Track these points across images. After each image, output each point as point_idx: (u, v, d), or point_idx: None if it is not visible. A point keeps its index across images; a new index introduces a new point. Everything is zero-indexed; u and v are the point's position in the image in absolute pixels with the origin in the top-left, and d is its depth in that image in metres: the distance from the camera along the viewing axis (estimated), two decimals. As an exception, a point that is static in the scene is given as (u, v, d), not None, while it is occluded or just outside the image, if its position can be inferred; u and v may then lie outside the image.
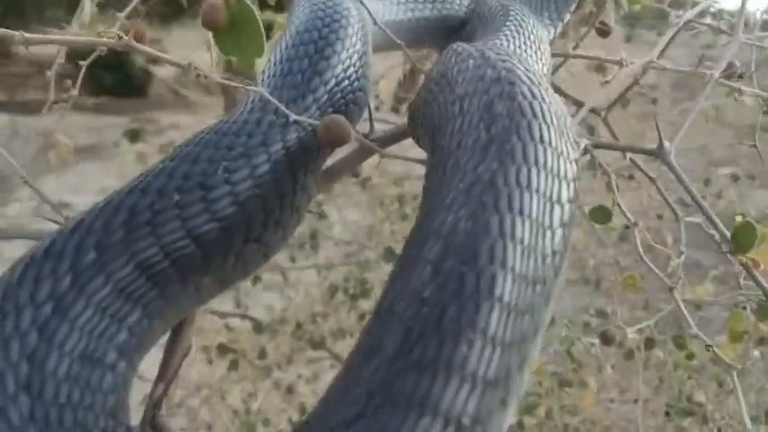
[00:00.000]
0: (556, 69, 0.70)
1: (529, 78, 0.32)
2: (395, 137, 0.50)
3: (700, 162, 4.02)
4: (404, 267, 0.26)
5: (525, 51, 0.47)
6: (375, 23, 0.48)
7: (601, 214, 0.64)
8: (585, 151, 0.54)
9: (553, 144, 0.29)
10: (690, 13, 0.69)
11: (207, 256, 0.35)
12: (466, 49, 0.38)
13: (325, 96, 0.41)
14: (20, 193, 4.82)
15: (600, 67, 0.83)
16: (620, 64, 0.63)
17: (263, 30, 0.41)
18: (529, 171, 0.27)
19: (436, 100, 0.36)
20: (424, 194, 0.31)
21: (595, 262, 2.16)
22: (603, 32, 0.73)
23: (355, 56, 0.44)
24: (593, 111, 0.62)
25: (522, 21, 0.51)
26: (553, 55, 0.64)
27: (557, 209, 0.28)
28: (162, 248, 0.34)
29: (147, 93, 11.05)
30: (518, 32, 0.49)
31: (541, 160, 0.28)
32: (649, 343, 0.76)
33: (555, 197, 0.28)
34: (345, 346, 1.69)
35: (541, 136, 0.29)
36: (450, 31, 0.61)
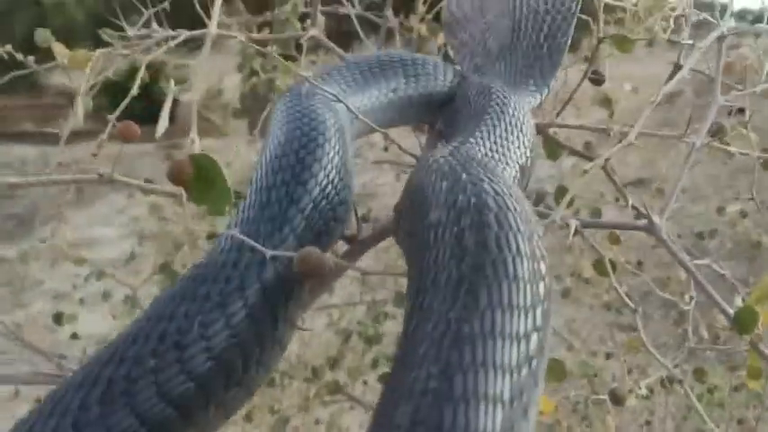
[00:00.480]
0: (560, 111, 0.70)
1: (497, 204, 0.33)
2: (381, 235, 0.51)
3: (723, 170, 3.92)
4: (382, 415, 0.28)
5: (503, 145, 0.48)
6: (357, 117, 0.50)
7: (600, 268, 0.64)
8: (576, 231, 0.54)
9: (520, 276, 0.30)
10: (707, 41, 0.68)
11: (186, 415, 0.36)
12: (441, 165, 0.39)
13: (303, 223, 0.41)
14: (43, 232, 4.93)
15: (606, 100, 0.83)
16: (607, 133, 0.63)
17: (227, 183, 0.43)
18: (493, 314, 0.29)
19: (414, 219, 0.38)
20: (405, 325, 0.32)
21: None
22: (597, 81, 0.73)
23: (333, 172, 0.44)
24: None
25: (504, 106, 0.51)
26: (541, 126, 0.66)
27: (526, 343, 0.29)
28: (138, 417, 0.34)
29: (173, 118, 11.26)
30: (498, 121, 0.49)
31: (507, 300, 0.29)
32: (669, 381, 0.75)
33: (524, 332, 0.29)
34: (363, 388, 1.68)
35: (507, 272, 0.30)
36: (434, 106, 0.61)
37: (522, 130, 0.50)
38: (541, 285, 0.31)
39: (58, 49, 0.65)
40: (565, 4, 0.63)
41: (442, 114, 0.60)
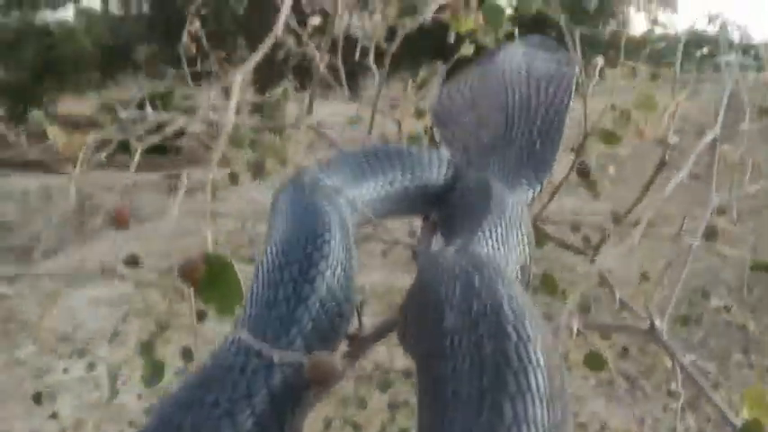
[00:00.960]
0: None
1: (513, 310, 0.34)
2: (383, 331, 0.51)
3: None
4: None
5: (505, 245, 0.48)
6: (356, 210, 0.50)
7: (595, 361, 0.64)
8: (579, 332, 0.55)
9: (541, 389, 0.31)
10: (699, 146, 0.69)
11: None
12: (451, 266, 0.39)
13: (311, 324, 0.41)
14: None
15: (591, 184, 0.83)
16: (591, 259, 0.64)
17: (240, 282, 0.42)
18: (519, 429, 0.30)
19: (425, 322, 0.38)
20: None
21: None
22: (584, 173, 0.74)
23: (339, 269, 0.43)
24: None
25: (503, 205, 0.52)
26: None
27: None
28: None
29: (179, 148, 11.37)
30: (499, 219, 0.50)
31: (531, 415, 0.30)
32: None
33: None
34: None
35: (529, 386, 0.31)
36: (430, 198, 0.61)
37: (521, 230, 0.51)
38: (561, 398, 0.31)
39: (53, 132, 0.67)
40: (557, 97, 0.63)
41: (437, 207, 0.60)
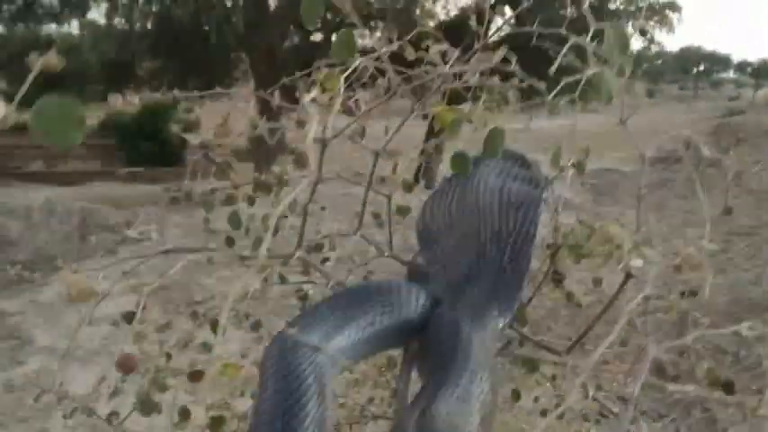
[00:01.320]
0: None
1: None
2: None
3: (719, 232, 3.90)
4: None
5: (467, 400, 0.54)
6: (336, 363, 0.57)
7: None
8: None
9: None
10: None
11: None
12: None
13: None
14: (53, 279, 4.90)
15: (569, 295, 0.87)
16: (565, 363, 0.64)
17: None
18: None
19: None
20: None
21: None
22: (558, 282, 0.77)
23: (313, 427, 0.51)
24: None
25: (468, 354, 0.57)
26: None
27: None
28: None
29: (181, 160, 11.40)
30: (463, 371, 0.56)
31: None
32: None
33: None
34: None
35: None
36: (409, 332, 0.65)
37: (485, 376, 0.56)
38: None
39: (66, 277, 0.70)
40: (524, 226, 0.67)
41: (416, 338, 0.65)
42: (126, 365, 0.66)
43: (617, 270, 0.68)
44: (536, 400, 1.06)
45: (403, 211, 0.89)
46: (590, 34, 0.67)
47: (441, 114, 0.72)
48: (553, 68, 0.67)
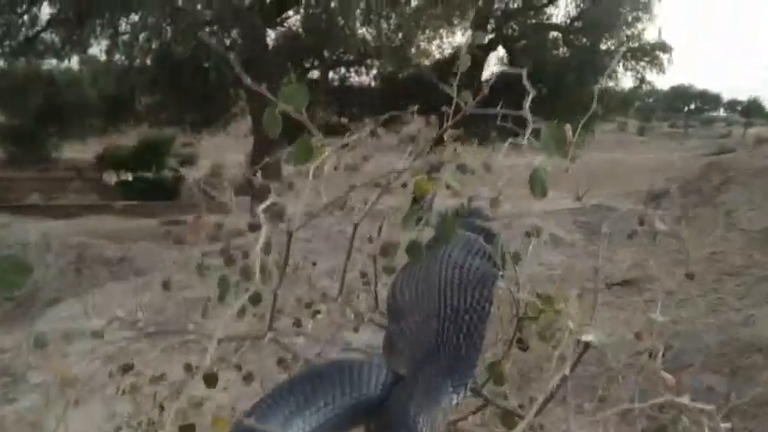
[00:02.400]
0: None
1: None
2: None
3: (710, 272, 3.88)
4: None
5: None
6: None
7: None
8: None
9: None
10: None
11: None
12: None
13: None
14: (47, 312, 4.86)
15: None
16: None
17: None
18: None
19: None
20: None
21: None
22: (523, 348, 0.81)
23: None
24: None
25: None
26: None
27: None
28: None
29: (178, 194, 11.41)
30: None
31: None
32: None
33: None
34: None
35: None
36: (369, 409, 0.67)
37: None
38: None
39: (56, 367, 0.72)
40: (480, 303, 0.72)
41: (376, 419, 0.67)
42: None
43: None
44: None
45: (389, 270, 0.91)
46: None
47: (418, 184, 0.75)
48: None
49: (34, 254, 6.43)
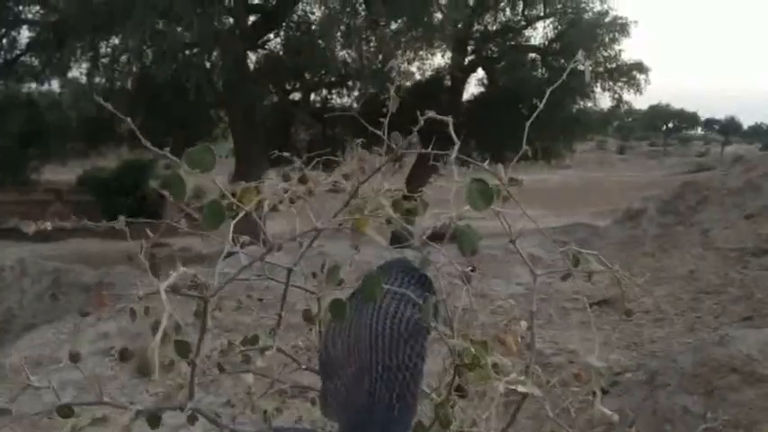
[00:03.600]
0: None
1: None
2: None
3: (687, 291, 3.90)
4: None
5: None
6: None
7: None
8: None
9: None
10: None
11: None
12: None
13: None
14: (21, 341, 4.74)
15: None
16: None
17: None
18: None
19: None
20: None
21: None
22: (462, 396, 0.77)
23: None
24: None
25: None
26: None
27: None
28: None
29: (161, 216, 11.28)
30: None
31: None
32: None
33: None
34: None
35: None
36: None
37: None
38: None
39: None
40: (412, 360, 0.69)
41: None
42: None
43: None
44: None
45: (336, 309, 0.89)
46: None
47: (358, 224, 0.74)
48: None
49: (10, 279, 6.31)
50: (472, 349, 0.70)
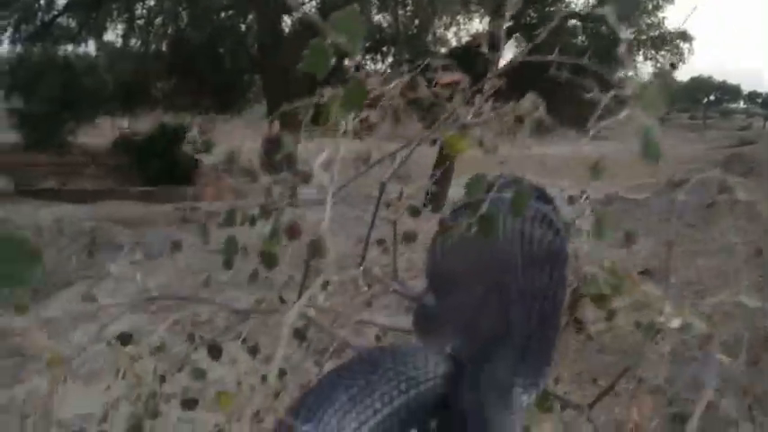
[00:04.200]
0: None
1: None
2: None
3: (730, 262, 3.80)
4: None
5: None
6: None
7: None
8: None
9: None
10: None
11: None
12: None
13: None
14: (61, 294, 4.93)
15: None
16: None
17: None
18: None
19: None
20: None
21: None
22: (580, 329, 0.70)
23: None
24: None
25: None
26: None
27: None
28: None
29: (193, 180, 11.47)
30: None
31: None
32: None
33: None
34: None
35: None
36: (427, 410, 0.56)
37: None
38: None
39: (38, 341, 0.68)
40: (552, 288, 0.60)
41: (434, 418, 0.57)
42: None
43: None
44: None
45: (410, 237, 0.86)
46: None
47: (450, 141, 0.69)
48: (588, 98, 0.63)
49: (48, 237, 6.50)
50: (604, 278, 0.61)
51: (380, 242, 0.92)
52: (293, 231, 0.66)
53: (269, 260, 0.66)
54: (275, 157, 0.81)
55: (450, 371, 0.57)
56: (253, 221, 0.81)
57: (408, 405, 0.55)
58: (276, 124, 0.82)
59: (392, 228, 0.84)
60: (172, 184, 11.09)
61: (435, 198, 1.01)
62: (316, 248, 0.59)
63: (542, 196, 0.64)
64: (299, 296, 0.72)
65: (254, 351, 0.97)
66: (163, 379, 0.90)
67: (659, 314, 0.58)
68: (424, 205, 0.89)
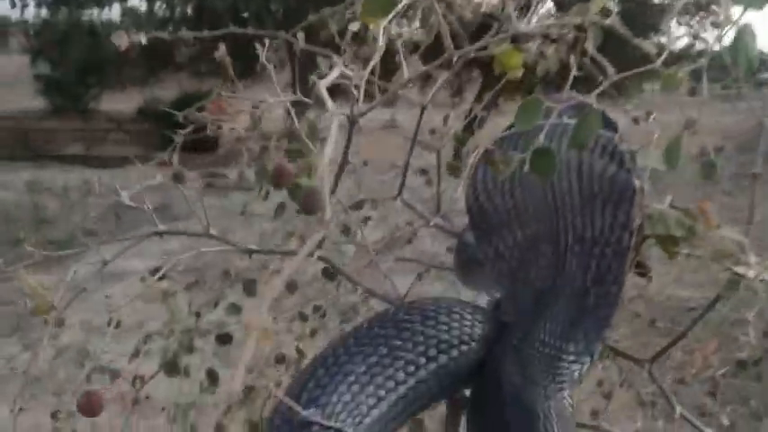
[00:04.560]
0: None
1: None
2: None
3: (767, 230, 3.74)
4: None
5: None
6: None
7: None
8: None
9: None
10: None
11: None
12: None
13: None
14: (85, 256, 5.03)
15: None
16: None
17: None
18: None
19: None
20: None
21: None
22: (642, 274, 0.59)
23: None
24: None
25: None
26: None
27: None
28: None
29: (216, 146, 11.51)
30: None
31: None
32: None
33: None
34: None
35: None
36: (459, 380, 0.50)
37: None
38: None
39: (26, 281, 0.64)
40: (616, 232, 0.49)
41: (469, 385, 0.51)
42: (89, 406, 0.53)
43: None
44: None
45: (454, 169, 0.75)
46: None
47: (503, 56, 0.57)
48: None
49: (75, 198, 6.61)
50: (678, 218, 0.50)
51: (423, 172, 0.85)
52: (281, 175, 0.56)
53: (294, 193, 0.60)
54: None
55: (490, 333, 0.50)
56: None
57: (438, 373, 0.47)
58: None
59: (435, 157, 0.74)
60: (196, 152, 11.13)
61: (484, 125, 0.92)
62: (310, 202, 0.52)
63: (605, 120, 0.51)
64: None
65: (291, 288, 0.92)
66: (198, 315, 0.89)
67: (736, 264, 0.50)
68: (472, 133, 0.82)
